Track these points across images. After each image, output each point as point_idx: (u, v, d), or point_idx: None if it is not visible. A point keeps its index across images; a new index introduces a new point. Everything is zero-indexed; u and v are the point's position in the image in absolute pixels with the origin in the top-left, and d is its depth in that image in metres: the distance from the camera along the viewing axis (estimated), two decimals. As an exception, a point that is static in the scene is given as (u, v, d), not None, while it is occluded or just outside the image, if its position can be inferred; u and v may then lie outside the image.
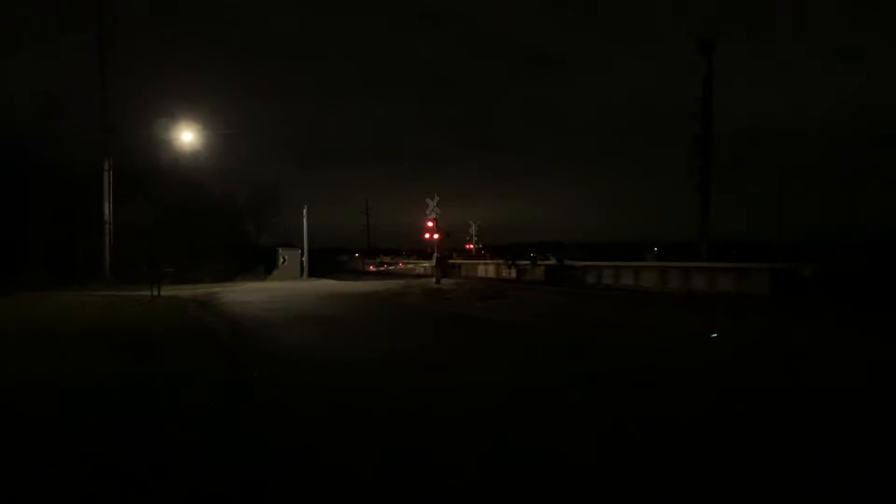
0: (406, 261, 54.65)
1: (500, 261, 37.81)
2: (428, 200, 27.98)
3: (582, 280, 28.16)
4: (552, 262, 32.34)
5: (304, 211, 38.67)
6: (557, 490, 4.01)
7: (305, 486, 4.06)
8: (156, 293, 18.86)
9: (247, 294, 22.40)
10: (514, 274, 34.26)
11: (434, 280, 27.52)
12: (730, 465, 4.39)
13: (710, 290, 21.05)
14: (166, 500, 3.83)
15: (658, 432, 5.20)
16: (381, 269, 54.95)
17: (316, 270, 38.22)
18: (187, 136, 29.43)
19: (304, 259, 37.48)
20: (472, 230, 57.42)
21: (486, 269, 38.63)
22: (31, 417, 5.57)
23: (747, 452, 4.65)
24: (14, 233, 26.26)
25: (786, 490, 3.98)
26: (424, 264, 42.73)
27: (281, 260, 36.30)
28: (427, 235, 28.58)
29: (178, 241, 29.26)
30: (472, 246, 57.42)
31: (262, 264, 35.91)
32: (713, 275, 22.32)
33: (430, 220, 28.06)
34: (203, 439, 4.90)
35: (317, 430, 5.33)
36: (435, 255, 29.52)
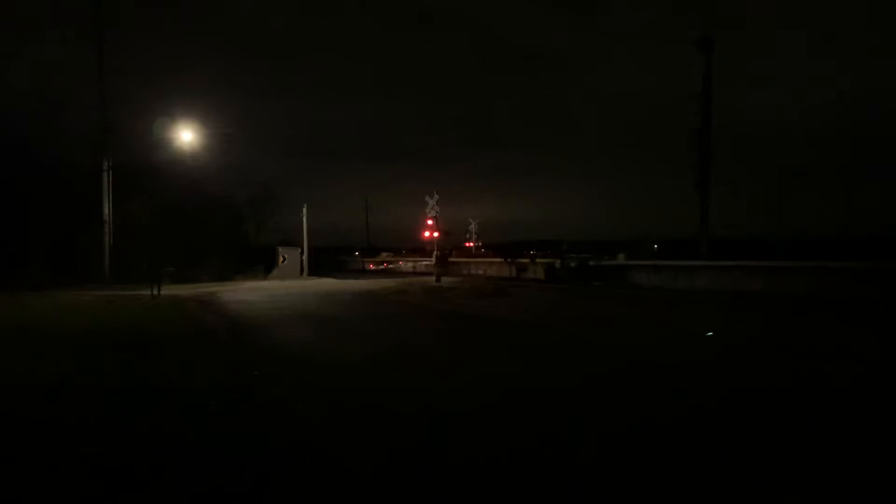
0: (406, 259, 54.63)
1: (500, 259, 37.83)
2: (427, 199, 27.97)
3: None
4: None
5: (304, 209, 38.66)
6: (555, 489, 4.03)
7: (306, 485, 4.06)
8: (155, 293, 18.87)
9: (247, 293, 22.41)
10: (514, 272, 34.29)
11: (434, 278, 27.51)
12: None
13: (520, 276, 32.71)
14: (166, 500, 3.84)
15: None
16: (382, 267, 54.92)
17: (316, 269, 38.21)
18: (187, 136, 29.43)
19: (303, 258, 37.44)
20: (472, 228, 57.46)
21: (487, 267, 38.64)
22: (30, 417, 5.58)
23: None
24: (13, 232, 26.25)
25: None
26: (424, 263, 42.69)
27: (281, 259, 36.26)
28: (427, 234, 28.56)
29: (178, 241, 29.20)
30: (472, 244, 57.46)
31: (262, 263, 35.84)
32: (521, 266, 34.64)
33: (430, 219, 28.05)
34: (203, 439, 4.91)
35: (317, 430, 5.34)
36: (435, 253, 29.48)
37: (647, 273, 26.70)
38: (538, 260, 33.96)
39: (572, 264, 30.00)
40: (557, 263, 31.04)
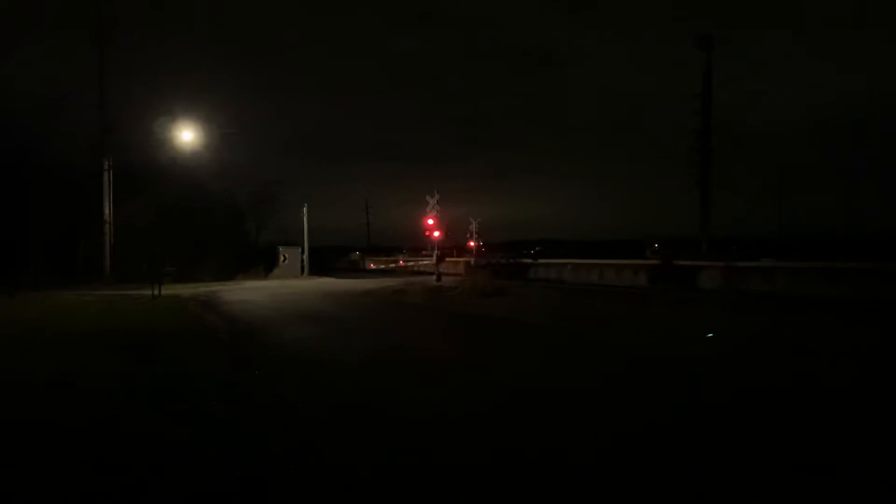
0: (406, 259, 54.61)
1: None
2: (428, 198, 27.93)
3: None
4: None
5: (305, 209, 38.66)
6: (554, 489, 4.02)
7: (306, 485, 4.06)
8: (156, 292, 18.87)
9: (247, 293, 22.41)
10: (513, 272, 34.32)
11: (434, 278, 27.50)
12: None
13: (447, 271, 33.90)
14: (167, 500, 3.84)
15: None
16: (382, 267, 54.92)
17: (316, 269, 38.24)
18: (187, 135, 29.40)
19: (304, 257, 37.47)
20: (473, 228, 57.30)
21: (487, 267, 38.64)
22: (32, 417, 5.58)
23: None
24: (15, 233, 26.26)
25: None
26: (425, 262, 42.69)
27: (281, 258, 36.32)
28: (427, 233, 28.55)
29: (179, 240, 29.21)
30: (472, 244, 57.32)
31: (263, 263, 35.91)
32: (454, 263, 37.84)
33: (431, 218, 28.03)
34: (204, 438, 4.91)
35: (317, 429, 5.34)
36: (435, 252, 29.48)
37: (545, 269, 32.79)
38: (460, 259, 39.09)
39: (483, 262, 34.56)
40: (472, 262, 35.37)
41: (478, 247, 56.75)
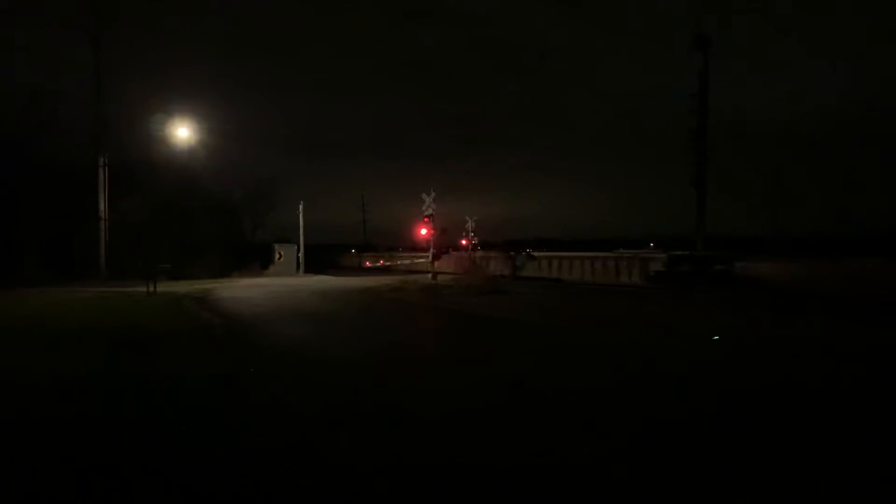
0: (403, 257, 54.58)
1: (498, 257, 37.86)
2: (424, 196, 27.85)
3: None
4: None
5: (300, 207, 38.61)
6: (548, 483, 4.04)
7: (301, 482, 4.06)
8: (152, 289, 18.84)
9: (243, 290, 22.38)
10: (508, 270, 34.29)
11: (430, 276, 27.49)
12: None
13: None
14: (163, 498, 3.84)
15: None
16: (378, 265, 54.88)
17: (312, 266, 38.22)
18: (183, 132, 29.31)
19: (300, 255, 37.46)
20: (469, 226, 57.28)
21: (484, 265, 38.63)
22: (28, 416, 5.57)
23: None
24: (10, 229, 26.17)
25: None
26: (421, 260, 42.65)
27: (277, 256, 36.30)
28: (423, 231, 28.50)
29: (174, 237, 29.17)
30: (468, 242, 57.31)
31: (259, 260, 35.91)
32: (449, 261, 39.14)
33: (427, 216, 27.98)
34: (199, 435, 4.91)
35: (312, 427, 5.33)
36: (431, 250, 29.45)
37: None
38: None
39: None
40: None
41: (473, 244, 56.63)
